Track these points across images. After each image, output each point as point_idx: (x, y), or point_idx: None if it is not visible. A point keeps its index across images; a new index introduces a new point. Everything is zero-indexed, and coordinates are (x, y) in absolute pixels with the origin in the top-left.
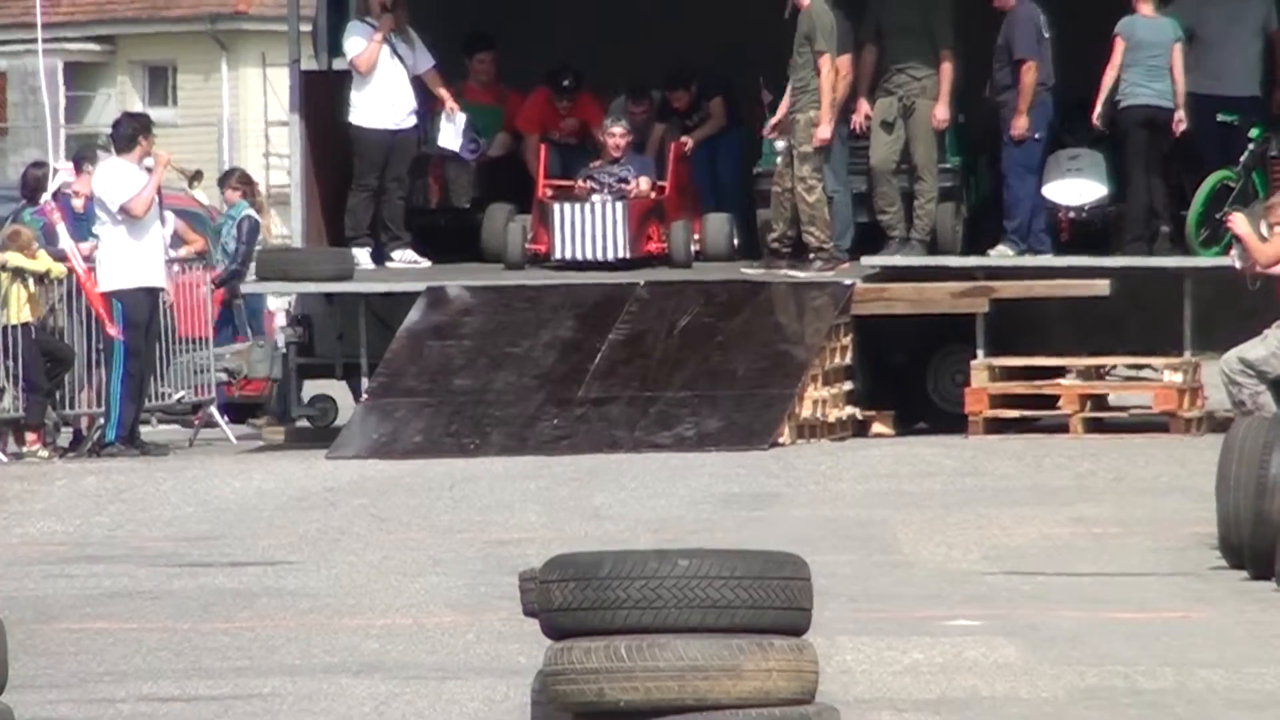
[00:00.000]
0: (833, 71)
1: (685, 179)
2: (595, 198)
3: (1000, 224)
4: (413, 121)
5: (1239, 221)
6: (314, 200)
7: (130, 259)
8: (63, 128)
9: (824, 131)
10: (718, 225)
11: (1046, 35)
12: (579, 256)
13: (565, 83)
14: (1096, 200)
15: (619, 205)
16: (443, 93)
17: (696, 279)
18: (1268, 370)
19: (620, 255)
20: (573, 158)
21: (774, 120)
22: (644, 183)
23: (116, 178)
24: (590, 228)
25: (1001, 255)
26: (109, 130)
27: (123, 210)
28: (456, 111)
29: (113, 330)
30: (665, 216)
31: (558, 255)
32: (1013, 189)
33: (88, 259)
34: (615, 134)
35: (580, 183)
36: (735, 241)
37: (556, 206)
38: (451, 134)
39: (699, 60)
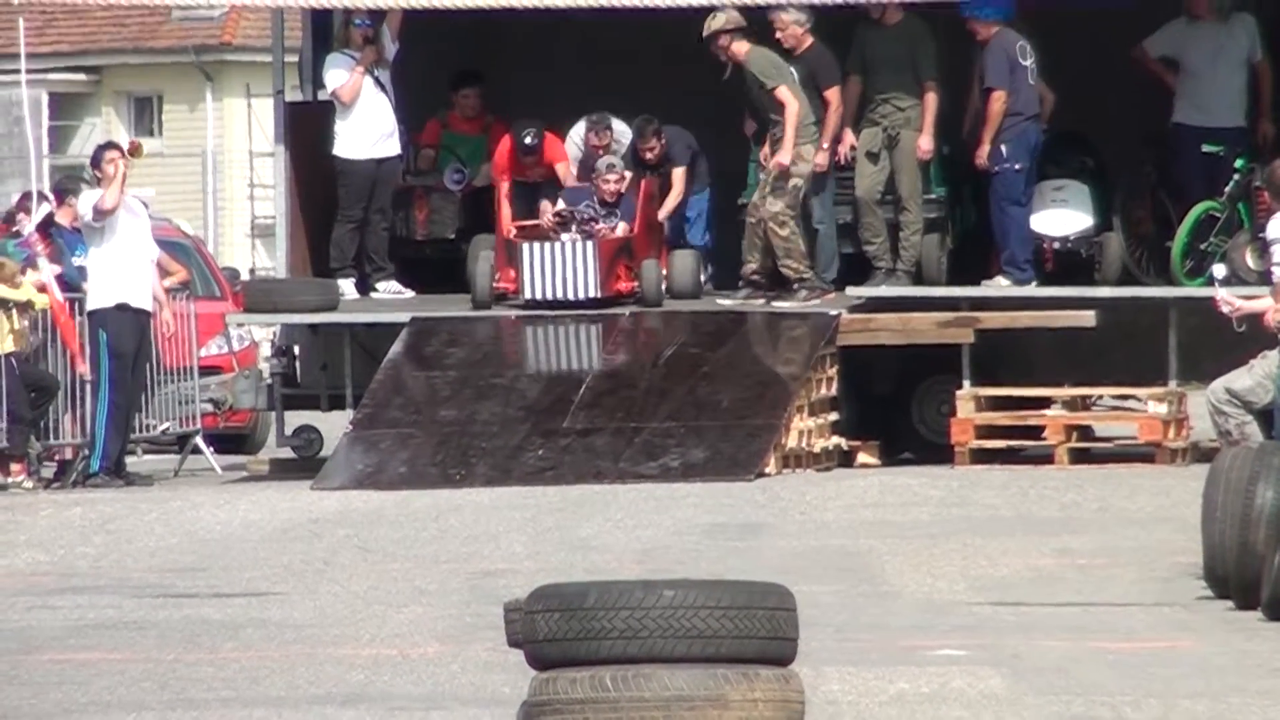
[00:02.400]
0: (794, 100)
1: (653, 216)
2: (565, 236)
3: (982, 254)
4: (396, 150)
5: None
6: (299, 231)
7: (114, 278)
8: (46, 158)
9: (784, 157)
10: (684, 262)
11: (1025, 63)
12: (548, 296)
13: (527, 140)
14: (1081, 231)
15: (589, 245)
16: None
17: (682, 309)
18: (1253, 400)
19: (591, 295)
20: (539, 193)
21: (765, 152)
22: (621, 228)
23: (93, 198)
24: (560, 267)
25: (997, 286)
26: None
27: (97, 212)
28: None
29: (83, 368)
30: (635, 254)
31: (527, 295)
32: (997, 220)
33: (72, 289)
34: (610, 180)
35: (549, 218)
36: (703, 279)
37: (525, 246)
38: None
39: (680, 89)
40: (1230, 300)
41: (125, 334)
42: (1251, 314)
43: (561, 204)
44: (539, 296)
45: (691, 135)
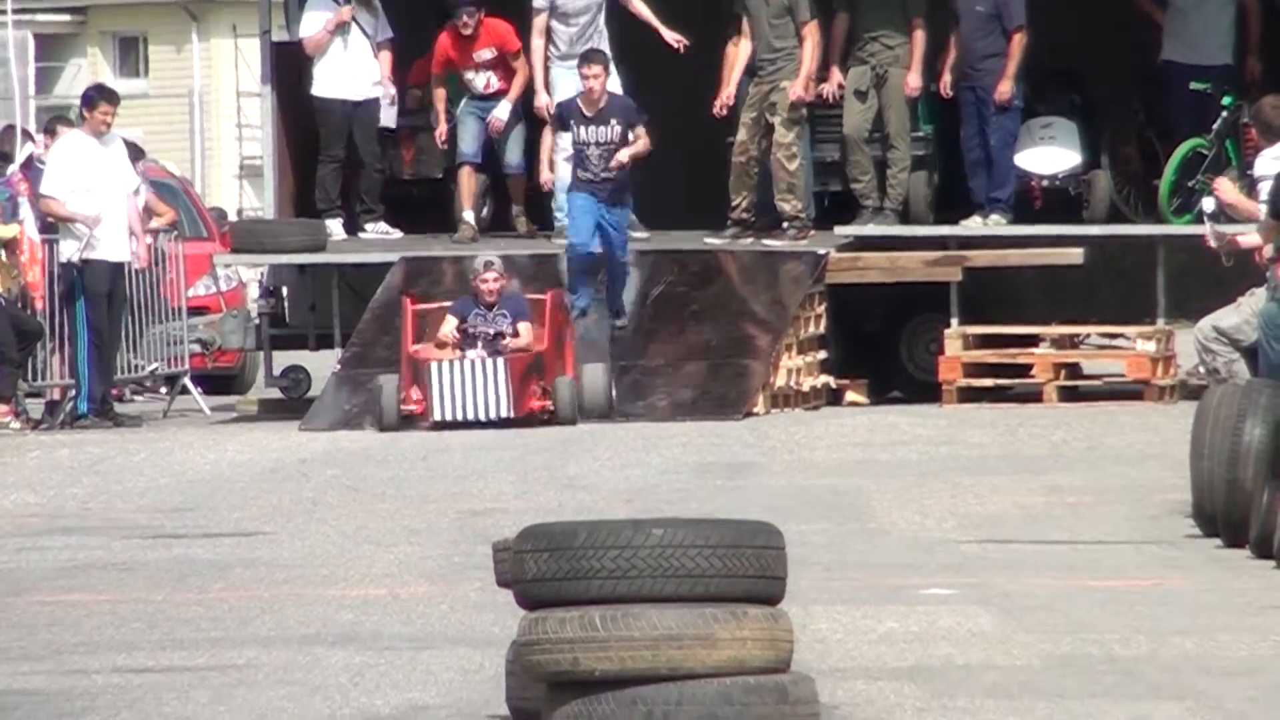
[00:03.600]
0: (818, 33)
1: (561, 326)
2: (471, 353)
3: (963, 192)
4: (377, 92)
5: (1225, 189)
6: (286, 171)
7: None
8: (32, 99)
9: (799, 88)
10: (595, 377)
11: None
12: (458, 417)
13: (466, 18)
14: (1069, 169)
15: (499, 361)
16: (386, 69)
17: (670, 248)
18: (1241, 338)
19: (503, 414)
20: (489, 108)
21: (723, 100)
22: (523, 329)
23: (59, 157)
24: (470, 386)
25: (997, 224)
26: (79, 101)
27: (40, 196)
28: (390, 84)
29: (40, 303)
30: (545, 370)
31: (436, 416)
32: (1004, 157)
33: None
34: (488, 280)
35: (454, 335)
36: (614, 393)
37: (435, 366)
38: (391, 115)
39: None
40: (1220, 233)
41: (98, 276)
42: (1238, 249)
43: (452, 321)
44: (448, 417)
45: (633, 104)
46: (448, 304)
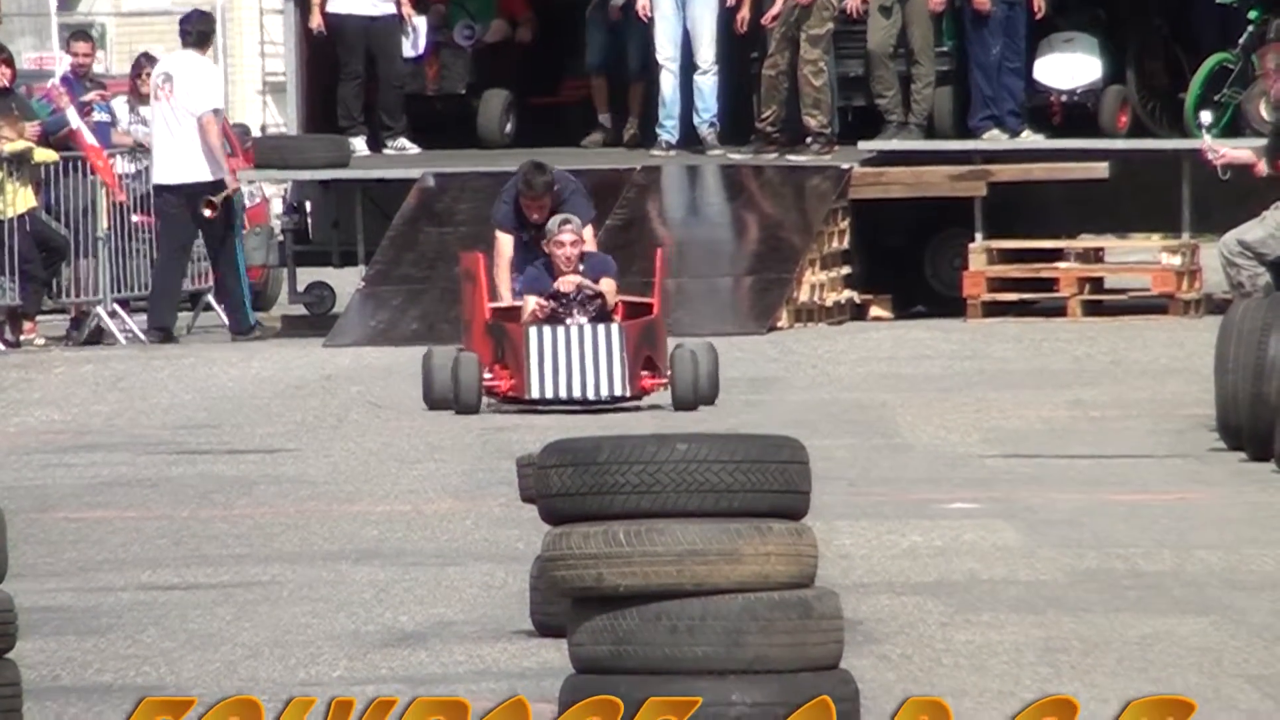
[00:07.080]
0: None
1: (667, 291)
2: (570, 321)
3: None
4: (391, 9)
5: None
6: (309, 88)
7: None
8: (53, 16)
9: None
10: (706, 356)
11: None
12: (562, 395)
13: None
14: (1089, 83)
15: (613, 329)
16: None
17: (692, 164)
18: (1266, 252)
19: (616, 393)
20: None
21: (773, 11)
22: (606, 285)
23: (200, 79)
24: (579, 359)
25: (1031, 138)
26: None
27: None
28: (413, 17)
29: (117, 192)
30: (657, 341)
31: (535, 394)
32: (1019, 71)
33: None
34: (565, 243)
35: (539, 304)
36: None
37: (534, 333)
38: (417, 43)
39: None
40: (1215, 148)
41: (169, 220)
42: (1237, 163)
43: (531, 300)
44: (549, 395)
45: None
46: (518, 302)
